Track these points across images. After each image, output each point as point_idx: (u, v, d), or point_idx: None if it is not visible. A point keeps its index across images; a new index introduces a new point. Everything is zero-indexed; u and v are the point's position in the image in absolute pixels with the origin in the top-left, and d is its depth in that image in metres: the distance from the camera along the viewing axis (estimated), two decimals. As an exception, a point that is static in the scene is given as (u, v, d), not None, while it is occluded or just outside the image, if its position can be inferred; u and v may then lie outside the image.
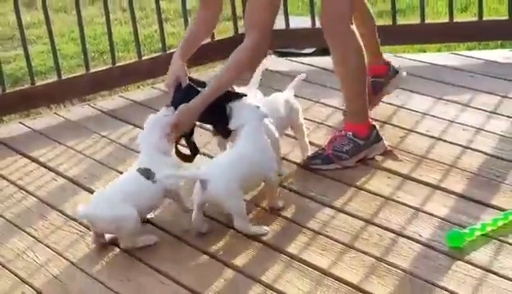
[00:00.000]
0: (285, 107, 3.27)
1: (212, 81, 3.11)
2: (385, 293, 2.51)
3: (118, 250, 2.87)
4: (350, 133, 3.30)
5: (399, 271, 2.61)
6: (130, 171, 2.96)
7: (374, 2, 5.96)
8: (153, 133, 2.99)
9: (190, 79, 3.18)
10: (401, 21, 4.94)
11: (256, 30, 3.08)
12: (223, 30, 5.51)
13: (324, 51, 4.71)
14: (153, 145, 2.96)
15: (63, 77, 4.31)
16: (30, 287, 2.74)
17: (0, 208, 3.28)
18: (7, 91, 4.19)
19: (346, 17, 3.20)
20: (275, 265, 2.72)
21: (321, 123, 3.72)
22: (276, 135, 3.12)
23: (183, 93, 3.10)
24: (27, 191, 3.40)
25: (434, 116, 3.70)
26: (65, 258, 2.88)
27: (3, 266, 2.88)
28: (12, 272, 2.84)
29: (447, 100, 3.85)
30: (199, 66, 4.69)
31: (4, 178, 3.55)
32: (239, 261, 2.75)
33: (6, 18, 6.44)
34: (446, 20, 4.52)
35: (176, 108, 3.04)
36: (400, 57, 4.54)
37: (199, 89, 3.08)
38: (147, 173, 2.88)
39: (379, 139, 3.34)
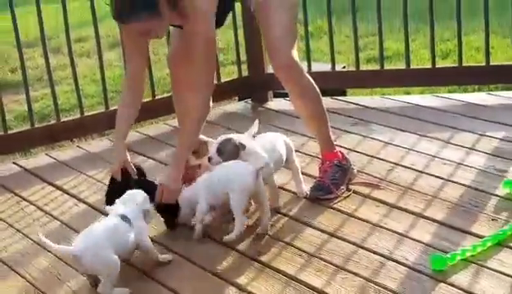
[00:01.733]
0: (284, 146, 3.27)
1: (178, 143, 3.10)
2: (374, 311, 2.50)
3: (130, 267, 2.85)
4: (336, 161, 3.31)
5: (387, 291, 2.58)
6: (109, 219, 2.79)
7: (363, 49, 6.01)
8: (143, 198, 2.86)
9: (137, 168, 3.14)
10: (388, 66, 4.97)
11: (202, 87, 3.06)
12: (229, 73, 5.55)
13: (321, 92, 4.76)
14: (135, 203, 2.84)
15: (85, 114, 4.32)
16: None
17: (27, 230, 3.28)
18: (35, 126, 4.20)
19: (296, 60, 3.17)
20: (274, 284, 2.70)
21: (316, 157, 3.71)
22: (262, 187, 3.03)
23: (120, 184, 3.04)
24: (52, 215, 3.40)
25: (418, 151, 3.70)
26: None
27: (29, 282, 2.87)
28: (37, 288, 2.82)
29: (430, 137, 3.85)
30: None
31: (32, 203, 3.54)
32: (241, 280, 2.74)
33: (36, 61, 6.48)
34: (429, 65, 4.53)
35: (111, 198, 2.92)
36: (387, 98, 4.55)
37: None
38: (126, 219, 2.76)
39: (350, 163, 3.37)
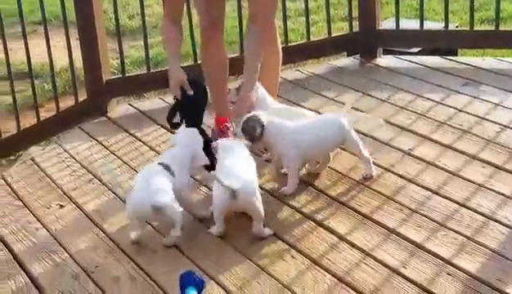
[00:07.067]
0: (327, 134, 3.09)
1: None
2: (473, 268, 2.49)
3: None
4: None
5: (487, 250, 2.57)
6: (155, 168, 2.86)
7: (477, 9, 5.81)
8: (188, 150, 2.94)
9: (189, 79, 3.17)
10: (502, 28, 4.79)
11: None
12: (338, 29, 5.52)
13: (431, 51, 4.67)
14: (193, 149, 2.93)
15: (198, 62, 4.39)
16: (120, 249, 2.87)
17: (141, 169, 3.38)
18: (151, 71, 4.33)
19: None
20: (374, 236, 2.73)
21: (423, 115, 3.68)
22: None
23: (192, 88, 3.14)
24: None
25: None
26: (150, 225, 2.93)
27: (100, 229, 2.97)
28: (106, 233, 2.91)
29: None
30: (314, 59, 4.71)
31: (145, 144, 3.68)
32: (341, 230, 2.78)
33: (152, 9, 6.64)
34: (546, 27, 4.34)
35: (186, 104, 3.10)
36: (499, 60, 4.40)
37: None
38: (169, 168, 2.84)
39: None
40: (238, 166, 2.79)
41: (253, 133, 2.97)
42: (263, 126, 2.98)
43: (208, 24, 3.48)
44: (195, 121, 3.11)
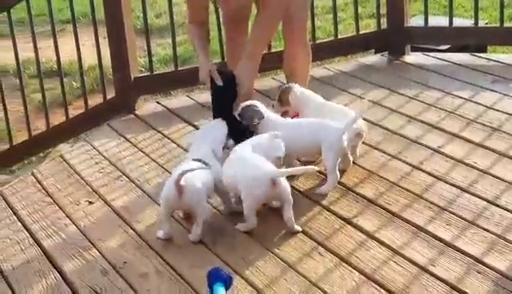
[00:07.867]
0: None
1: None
2: (503, 267, 2.47)
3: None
4: None
5: (517, 249, 2.56)
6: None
7: (507, 6, 5.75)
8: (213, 137, 2.99)
9: (219, 70, 3.18)
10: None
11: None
12: (365, 26, 5.50)
13: (459, 49, 4.64)
14: (211, 145, 2.96)
15: (225, 60, 4.41)
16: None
17: (168, 165, 3.42)
18: (179, 68, 4.34)
19: None
20: (402, 233, 2.72)
21: (452, 112, 3.66)
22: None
23: (222, 79, 3.15)
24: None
25: None
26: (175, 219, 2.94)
27: (129, 226, 2.99)
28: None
29: None
30: (341, 56, 4.70)
31: (173, 141, 3.70)
32: (369, 227, 2.77)
33: (179, 7, 6.68)
34: None
35: (218, 93, 3.15)
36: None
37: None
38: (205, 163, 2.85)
39: None
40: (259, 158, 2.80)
41: (251, 122, 3.02)
42: (263, 117, 3.03)
43: (230, 22, 3.49)
44: (223, 111, 3.13)
